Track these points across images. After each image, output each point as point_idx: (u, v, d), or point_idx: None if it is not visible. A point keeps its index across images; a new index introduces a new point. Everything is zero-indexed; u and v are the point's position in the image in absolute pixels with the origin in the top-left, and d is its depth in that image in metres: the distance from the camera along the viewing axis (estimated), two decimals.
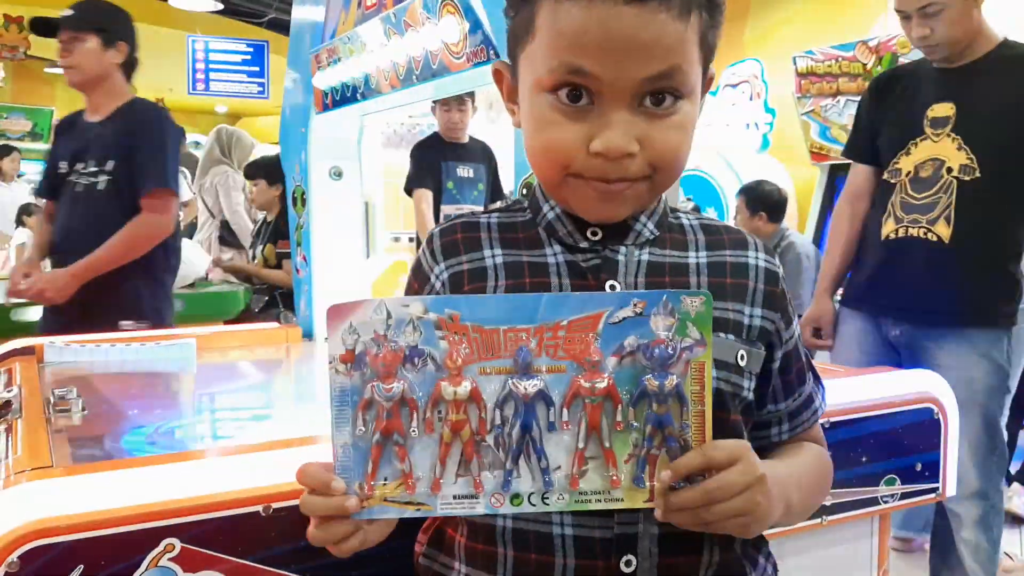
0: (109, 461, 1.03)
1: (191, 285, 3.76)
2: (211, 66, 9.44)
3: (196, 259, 3.83)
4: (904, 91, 2.17)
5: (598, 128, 0.74)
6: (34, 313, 3.34)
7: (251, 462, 0.97)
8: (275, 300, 3.82)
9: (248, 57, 9.60)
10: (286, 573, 0.91)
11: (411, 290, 0.88)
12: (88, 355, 1.78)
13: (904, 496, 1.35)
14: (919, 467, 1.37)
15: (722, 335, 0.79)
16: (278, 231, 3.84)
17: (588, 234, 0.82)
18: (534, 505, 0.71)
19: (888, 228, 2.09)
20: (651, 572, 0.77)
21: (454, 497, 0.71)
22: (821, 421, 1.25)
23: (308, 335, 2.10)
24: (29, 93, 12.15)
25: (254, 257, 3.97)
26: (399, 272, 5.33)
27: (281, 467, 0.94)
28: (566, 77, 0.74)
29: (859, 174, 2.27)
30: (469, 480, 0.70)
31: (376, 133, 7.28)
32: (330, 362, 0.70)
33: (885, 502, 1.34)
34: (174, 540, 0.86)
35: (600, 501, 0.71)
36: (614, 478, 0.70)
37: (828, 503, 1.27)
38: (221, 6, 8.81)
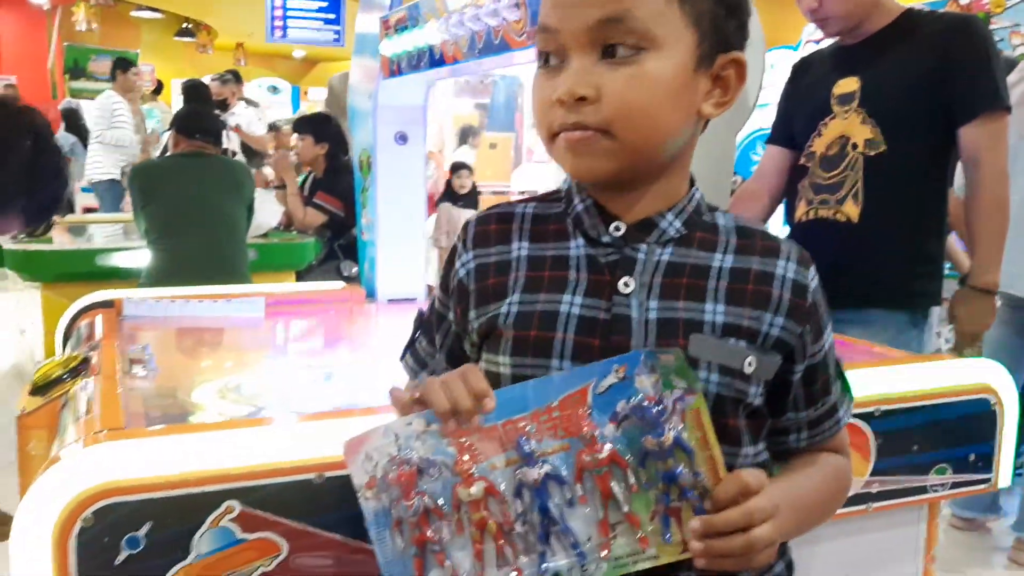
0: (176, 425, 1.09)
1: (264, 235, 3.86)
2: (288, 13, 9.51)
3: (269, 210, 3.93)
4: (815, 73, 2.06)
5: (561, 80, 0.78)
6: (118, 259, 3.50)
7: (307, 431, 1.02)
8: (335, 252, 3.91)
9: (325, 4, 9.65)
10: (336, 535, 0.96)
11: (444, 270, 0.91)
12: (163, 310, 1.87)
13: (955, 485, 1.34)
14: (972, 457, 1.34)
15: (732, 340, 0.79)
16: (316, 185, 4.02)
17: (611, 229, 0.82)
18: None
19: (800, 211, 1.99)
20: None
21: None
22: (871, 409, 1.26)
23: (371, 295, 2.16)
24: (115, 36, 12.49)
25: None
26: None
27: (334, 438, 0.99)
28: (539, 41, 0.80)
29: (767, 154, 2.17)
30: (508, 569, 0.73)
31: (448, 82, 7.24)
32: (357, 492, 0.75)
33: (935, 491, 1.33)
34: (234, 503, 0.92)
35: (636, 563, 0.72)
36: (641, 537, 0.72)
37: (874, 491, 1.27)
38: None
